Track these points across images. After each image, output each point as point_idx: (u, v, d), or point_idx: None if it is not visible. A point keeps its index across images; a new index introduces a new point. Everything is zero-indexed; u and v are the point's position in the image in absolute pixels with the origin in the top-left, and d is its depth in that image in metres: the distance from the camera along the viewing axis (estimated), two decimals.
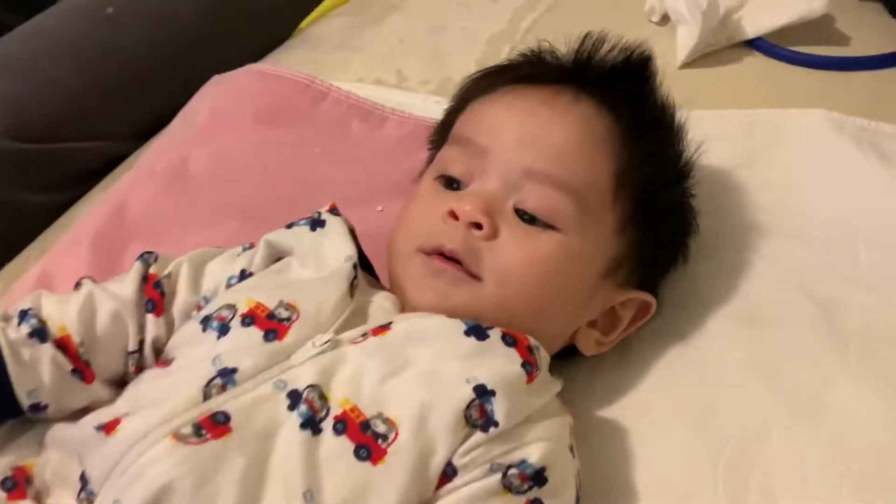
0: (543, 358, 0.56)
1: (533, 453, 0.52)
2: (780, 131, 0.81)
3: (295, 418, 0.51)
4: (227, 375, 0.52)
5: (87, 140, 0.96)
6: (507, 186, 0.60)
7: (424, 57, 1.00)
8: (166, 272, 0.62)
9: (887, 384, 0.61)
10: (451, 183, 0.63)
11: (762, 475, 0.58)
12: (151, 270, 0.62)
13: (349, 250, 0.60)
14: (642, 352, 0.66)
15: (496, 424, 0.51)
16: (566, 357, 0.64)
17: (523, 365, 0.54)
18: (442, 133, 0.70)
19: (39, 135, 0.93)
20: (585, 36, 0.67)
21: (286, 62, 1.02)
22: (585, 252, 0.60)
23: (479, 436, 0.51)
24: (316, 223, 0.63)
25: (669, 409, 0.62)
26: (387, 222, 0.68)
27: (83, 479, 0.51)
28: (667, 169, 0.66)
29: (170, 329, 0.60)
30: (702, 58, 0.94)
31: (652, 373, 0.65)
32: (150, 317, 0.60)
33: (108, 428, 0.51)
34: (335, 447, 0.50)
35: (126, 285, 0.61)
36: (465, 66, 0.95)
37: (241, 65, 0.99)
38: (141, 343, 0.60)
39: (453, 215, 0.59)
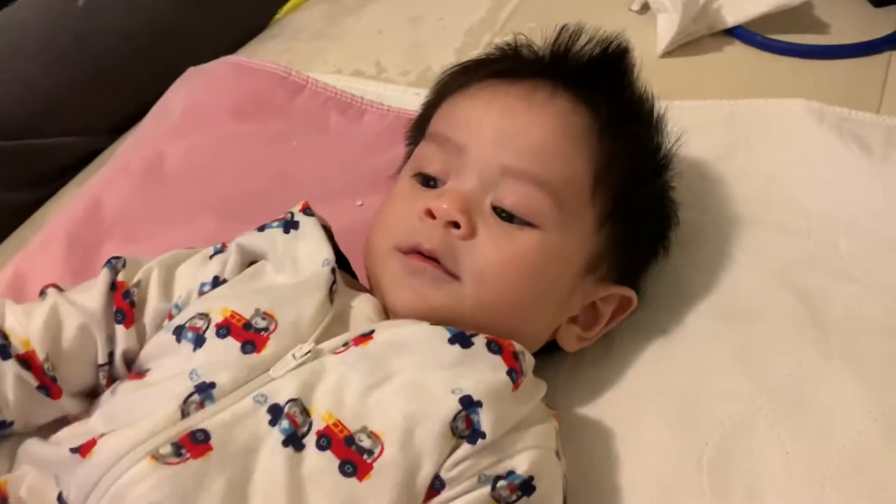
0: (528, 362, 0.56)
1: (520, 464, 0.51)
2: (760, 121, 0.80)
3: (277, 434, 0.49)
4: (204, 391, 0.51)
5: (60, 136, 0.94)
6: (484, 184, 0.59)
7: (403, 47, 0.99)
8: (136, 280, 0.60)
9: (869, 376, 0.61)
10: (428, 181, 0.62)
11: (746, 471, 0.58)
12: (120, 277, 0.60)
13: (326, 253, 0.58)
14: (624, 346, 0.66)
15: (483, 436, 0.50)
16: (548, 353, 0.64)
17: (509, 373, 0.53)
18: (419, 128, 0.69)
19: (10, 132, 0.91)
20: (562, 28, 0.66)
21: (263, 53, 1.01)
22: (565, 249, 0.60)
23: (466, 448, 0.50)
24: (289, 224, 0.61)
25: (652, 405, 0.62)
26: (368, 216, 0.67)
27: (60, 501, 0.49)
28: (645, 163, 0.66)
29: (141, 339, 0.59)
30: (681, 47, 0.93)
31: (634, 368, 0.64)
32: (119, 328, 0.58)
33: (83, 450, 0.49)
34: (319, 463, 0.49)
35: (93, 296, 0.59)
36: (445, 57, 0.95)
37: (216, 56, 0.98)
38: (111, 355, 0.58)
39: (430, 214, 0.58)
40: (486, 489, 0.50)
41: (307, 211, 0.62)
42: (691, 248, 0.71)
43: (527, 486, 0.51)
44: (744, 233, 0.72)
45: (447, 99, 0.66)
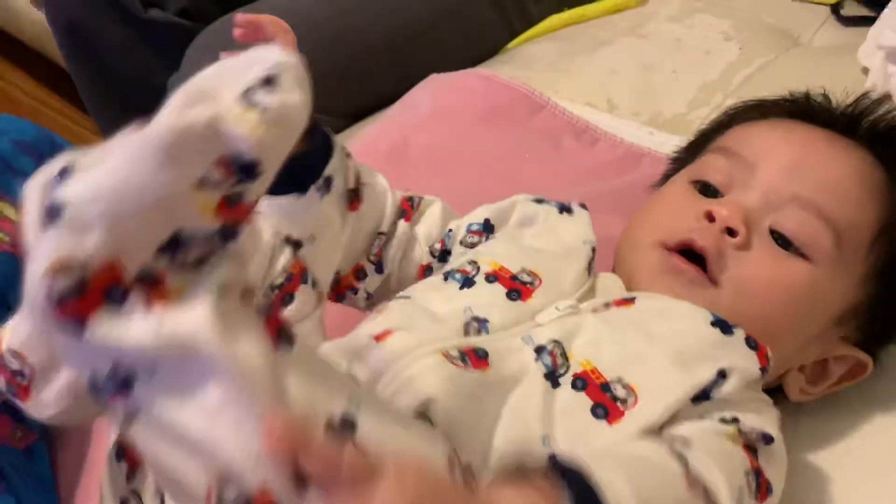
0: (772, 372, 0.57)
1: (753, 419, 0.53)
2: None
3: (539, 368, 0.53)
4: (480, 323, 0.55)
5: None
6: (768, 205, 0.61)
7: (635, 89, 1.02)
8: (418, 197, 0.67)
9: None
10: (708, 189, 0.64)
11: None
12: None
13: (589, 235, 0.62)
14: (850, 406, 0.65)
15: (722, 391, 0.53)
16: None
17: (762, 370, 0.55)
18: (691, 150, 0.72)
19: None
20: (862, 95, 0.69)
21: (498, 74, 1.06)
22: (828, 292, 0.61)
23: (705, 404, 0.52)
24: (564, 208, 0.65)
25: (881, 463, 0.61)
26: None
27: None
28: None
29: (411, 241, 0.65)
30: None
31: (861, 427, 0.63)
32: (399, 221, 0.65)
33: (378, 336, 0.54)
34: (573, 401, 0.52)
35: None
36: (676, 106, 0.98)
37: (452, 68, 1.04)
38: (386, 239, 0.65)
39: (710, 216, 0.60)
40: (733, 426, 0.52)
41: (583, 206, 0.66)
42: None
43: (768, 437, 0.53)
44: None
45: (738, 125, 0.68)
